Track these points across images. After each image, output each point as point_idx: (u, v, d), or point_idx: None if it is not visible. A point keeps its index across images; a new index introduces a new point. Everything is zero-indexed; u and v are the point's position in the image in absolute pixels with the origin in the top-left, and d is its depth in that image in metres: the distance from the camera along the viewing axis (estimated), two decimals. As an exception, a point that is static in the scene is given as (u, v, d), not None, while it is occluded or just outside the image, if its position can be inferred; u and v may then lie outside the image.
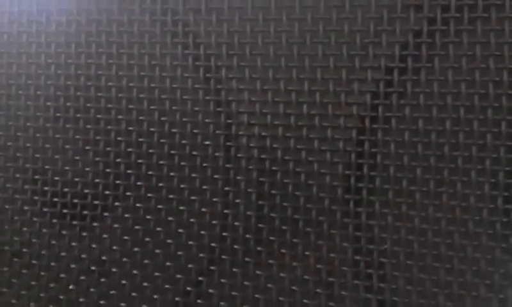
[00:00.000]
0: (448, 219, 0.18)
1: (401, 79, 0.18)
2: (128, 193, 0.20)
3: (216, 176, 0.20)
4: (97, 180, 0.21)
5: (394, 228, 0.18)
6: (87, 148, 0.21)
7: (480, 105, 0.18)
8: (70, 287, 0.21)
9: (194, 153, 0.20)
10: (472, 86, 0.18)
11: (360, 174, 0.19)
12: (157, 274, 0.20)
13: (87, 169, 0.21)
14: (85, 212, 0.21)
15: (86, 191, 0.21)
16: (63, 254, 0.21)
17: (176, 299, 0.20)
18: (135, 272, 0.20)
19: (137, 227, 0.20)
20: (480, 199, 0.18)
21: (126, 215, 0.20)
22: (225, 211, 0.20)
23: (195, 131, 0.20)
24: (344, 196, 0.19)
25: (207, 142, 0.20)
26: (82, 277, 0.21)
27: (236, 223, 0.20)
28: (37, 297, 0.21)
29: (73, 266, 0.21)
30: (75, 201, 0.21)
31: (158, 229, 0.20)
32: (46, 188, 0.21)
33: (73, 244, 0.21)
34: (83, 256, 0.21)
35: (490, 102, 0.18)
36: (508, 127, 0.17)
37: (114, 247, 0.20)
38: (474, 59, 0.18)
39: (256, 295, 0.19)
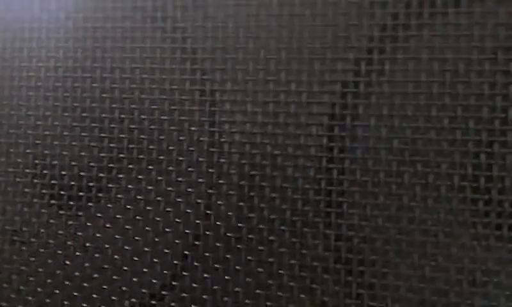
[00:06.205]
0: (410, 196, 0.20)
1: (368, 69, 0.20)
2: (120, 175, 0.22)
3: (200, 159, 0.22)
4: (92, 164, 0.23)
5: (361, 205, 0.20)
6: (83, 134, 0.23)
7: (438, 93, 0.20)
8: (67, 263, 0.23)
9: (181, 138, 0.22)
10: (430, 75, 0.20)
11: (330, 156, 0.20)
12: (146, 249, 0.22)
13: (82, 154, 0.23)
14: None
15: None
16: (60, 232, 0.23)
17: (165, 271, 0.22)
18: (127, 247, 0.22)
19: (128, 206, 0.22)
20: (437, 177, 0.19)
21: (119, 196, 0.22)
22: (209, 191, 0.21)
23: (182, 118, 0.22)
24: (316, 176, 0.21)
25: (193, 128, 0.22)
26: (78, 253, 0.23)
27: (219, 202, 0.21)
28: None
29: (69, 243, 0.23)
30: (74, 183, 0.23)
31: (148, 208, 0.22)
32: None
33: (70, 222, 0.23)
34: (79, 233, 0.23)
35: (447, 89, 0.19)
36: (463, 111, 0.19)
37: (108, 225, 0.22)
38: (433, 50, 0.20)
39: (237, 267, 0.21)
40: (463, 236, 0.19)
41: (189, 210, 0.22)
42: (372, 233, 0.20)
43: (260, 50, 0.21)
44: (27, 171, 0.23)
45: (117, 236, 0.22)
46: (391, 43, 0.20)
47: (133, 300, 0.22)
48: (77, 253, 0.23)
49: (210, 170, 0.22)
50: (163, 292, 0.22)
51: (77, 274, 0.22)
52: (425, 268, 0.19)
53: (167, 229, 0.22)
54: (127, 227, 0.22)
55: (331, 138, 0.20)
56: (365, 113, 0.20)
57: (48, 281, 0.23)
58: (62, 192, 0.23)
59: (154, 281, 0.22)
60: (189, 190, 0.22)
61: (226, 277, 0.21)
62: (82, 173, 0.23)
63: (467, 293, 0.19)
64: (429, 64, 0.20)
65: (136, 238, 0.22)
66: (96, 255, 0.22)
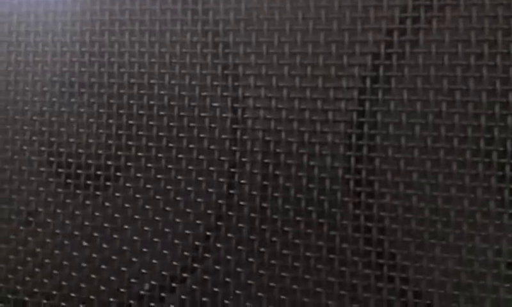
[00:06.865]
0: (445, 173, 0.19)
1: (401, 40, 0.19)
2: (139, 153, 0.21)
3: (223, 136, 0.21)
4: (110, 142, 0.22)
5: (393, 183, 0.19)
6: (101, 110, 0.22)
7: (476, 64, 0.18)
8: (84, 244, 0.22)
9: (203, 114, 0.21)
10: (468, 46, 0.18)
11: (360, 132, 0.19)
12: (167, 230, 0.21)
13: (101, 131, 0.22)
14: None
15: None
16: (75, 212, 0.22)
17: (185, 253, 0.21)
18: (146, 228, 0.21)
19: (148, 186, 0.21)
20: (475, 153, 0.18)
21: (138, 175, 0.21)
22: (232, 170, 0.21)
23: (204, 93, 0.21)
24: (346, 153, 0.20)
25: (215, 104, 0.21)
26: (96, 234, 0.22)
27: (242, 181, 0.20)
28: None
29: (87, 224, 0.22)
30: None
31: (168, 187, 0.21)
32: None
33: (87, 202, 0.22)
34: (97, 214, 0.22)
35: (485, 61, 0.18)
36: (503, 84, 0.18)
37: (127, 205, 0.21)
38: (470, 20, 0.18)
39: (262, 249, 0.20)
40: (501, 217, 0.18)
41: (211, 190, 0.21)
42: (405, 213, 0.19)
43: (286, 21, 0.20)
44: (43, 148, 0.22)
45: (136, 217, 0.21)
46: (425, 12, 0.19)
47: (153, 282, 0.21)
48: (95, 234, 0.22)
49: (233, 148, 0.21)
50: (184, 275, 0.21)
51: (94, 255, 0.22)
52: (462, 250, 0.18)
53: (188, 210, 0.21)
54: (147, 207, 0.21)
55: (361, 113, 0.19)
56: (398, 86, 0.19)
57: (65, 263, 0.22)
58: (79, 171, 0.22)
59: (175, 263, 0.21)
60: (211, 168, 0.21)
61: (249, 259, 0.20)
62: (100, 151, 0.22)
63: (505, 276, 0.18)
64: (465, 34, 0.19)
65: (156, 218, 0.21)
66: (115, 236, 0.22)
